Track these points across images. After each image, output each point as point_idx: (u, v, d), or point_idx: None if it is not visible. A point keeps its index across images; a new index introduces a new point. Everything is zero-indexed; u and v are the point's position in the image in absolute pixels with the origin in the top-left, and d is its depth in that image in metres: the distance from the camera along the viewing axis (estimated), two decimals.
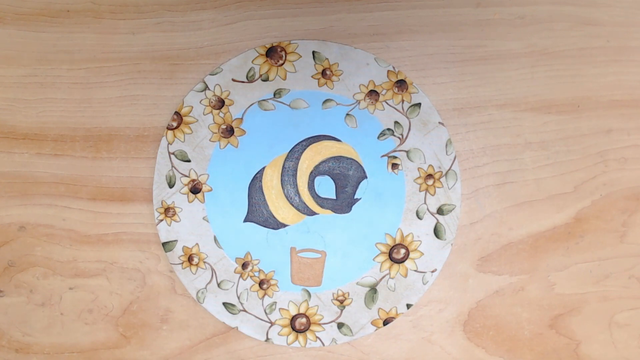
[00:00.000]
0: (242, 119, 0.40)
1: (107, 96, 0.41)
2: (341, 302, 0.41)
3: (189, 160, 0.40)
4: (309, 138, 0.40)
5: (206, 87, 0.40)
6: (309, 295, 0.41)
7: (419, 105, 0.40)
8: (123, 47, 0.41)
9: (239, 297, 0.40)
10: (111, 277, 0.41)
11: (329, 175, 0.40)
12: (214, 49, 0.41)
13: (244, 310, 0.40)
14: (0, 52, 0.41)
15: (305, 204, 0.40)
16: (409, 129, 0.40)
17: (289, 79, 0.40)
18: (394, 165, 0.40)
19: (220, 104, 0.40)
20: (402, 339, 0.41)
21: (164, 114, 0.41)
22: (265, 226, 0.41)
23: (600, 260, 0.41)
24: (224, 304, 0.40)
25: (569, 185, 0.41)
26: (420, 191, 0.40)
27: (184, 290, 0.41)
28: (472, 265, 0.41)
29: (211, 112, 0.40)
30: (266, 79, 0.40)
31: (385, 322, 0.40)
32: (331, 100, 0.40)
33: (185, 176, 0.40)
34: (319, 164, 0.40)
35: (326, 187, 0.40)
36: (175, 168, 0.40)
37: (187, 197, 0.40)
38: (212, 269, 0.40)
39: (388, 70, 0.40)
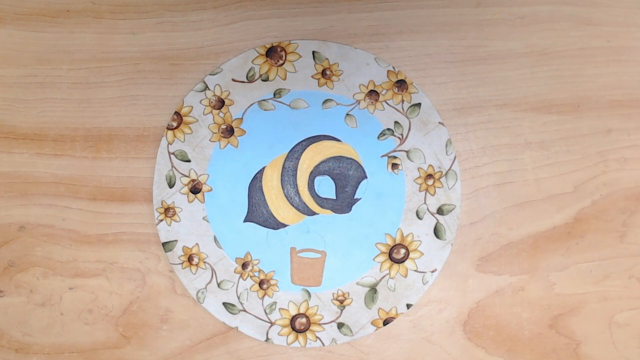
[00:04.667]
0: (242, 119, 0.40)
1: (107, 96, 0.41)
2: (341, 302, 0.41)
3: (189, 160, 0.40)
4: (309, 138, 0.40)
5: (206, 87, 0.40)
6: (309, 295, 0.41)
7: (419, 105, 0.40)
8: (123, 47, 0.41)
9: (239, 297, 0.40)
10: (111, 277, 0.41)
11: (329, 175, 0.40)
12: (214, 49, 0.41)
13: (244, 310, 0.40)
14: (0, 52, 0.41)
15: (305, 204, 0.40)
16: (409, 129, 0.40)
17: (289, 79, 0.40)
18: (394, 165, 0.40)
19: (220, 104, 0.40)
20: (402, 339, 0.41)
21: (164, 114, 0.41)
22: (265, 226, 0.41)
23: (600, 260, 0.41)
24: (224, 304, 0.40)
25: (569, 185, 0.41)
26: (420, 191, 0.40)
27: (184, 290, 0.41)
28: (472, 265, 0.41)
29: (211, 112, 0.40)
30: (266, 79, 0.40)
31: (385, 322, 0.40)
32: (331, 100, 0.40)
33: (185, 176, 0.40)
34: (319, 164, 0.40)
35: (326, 187, 0.40)
36: (175, 168, 0.40)
37: (187, 197, 0.40)
38: (212, 269, 0.40)
39: (388, 70, 0.40)
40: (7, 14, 0.41)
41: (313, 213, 0.40)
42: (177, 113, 0.40)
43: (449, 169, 0.40)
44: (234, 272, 0.41)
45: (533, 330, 0.41)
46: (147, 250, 0.41)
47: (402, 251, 0.40)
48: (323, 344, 0.40)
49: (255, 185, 0.40)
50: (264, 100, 0.40)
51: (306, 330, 0.41)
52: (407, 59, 0.41)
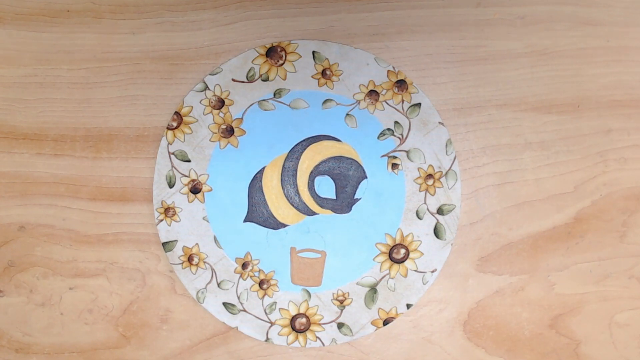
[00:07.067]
0: (242, 119, 0.40)
1: (107, 96, 0.41)
2: (341, 302, 0.41)
3: (189, 160, 0.40)
4: (309, 138, 0.40)
5: (206, 87, 0.40)
6: (309, 295, 0.41)
7: (419, 105, 0.40)
8: (123, 47, 0.41)
9: (239, 297, 0.40)
10: (111, 277, 0.41)
11: (329, 175, 0.40)
12: (214, 49, 0.41)
13: (244, 310, 0.40)
14: (0, 52, 0.41)
15: (305, 204, 0.40)
16: (409, 129, 0.40)
17: (289, 79, 0.40)
18: (394, 165, 0.40)
19: (220, 104, 0.40)
20: (402, 339, 0.41)
21: (164, 114, 0.41)
22: (265, 226, 0.41)
23: (600, 260, 0.41)
24: (224, 304, 0.40)
25: (569, 185, 0.41)
26: (420, 191, 0.40)
27: (184, 290, 0.41)
28: (472, 265, 0.41)
29: (211, 112, 0.40)
30: (266, 79, 0.40)
31: (385, 322, 0.40)
32: (331, 100, 0.40)
33: (185, 176, 0.40)
34: (319, 164, 0.40)
35: (326, 187, 0.40)
36: (175, 168, 0.40)
37: (187, 197, 0.40)
38: (212, 269, 0.40)
39: (388, 70, 0.40)
40: (7, 14, 0.41)
41: (313, 213, 0.40)
42: (177, 113, 0.40)
43: (449, 169, 0.40)
44: (234, 272, 0.41)
45: (533, 330, 0.41)
46: (147, 250, 0.41)
47: (402, 251, 0.40)
48: (323, 344, 0.40)
49: (255, 185, 0.40)
50: (264, 100, 0.40)
51: (306, 330, 0.41)
52: (407, 59, 0.41)
